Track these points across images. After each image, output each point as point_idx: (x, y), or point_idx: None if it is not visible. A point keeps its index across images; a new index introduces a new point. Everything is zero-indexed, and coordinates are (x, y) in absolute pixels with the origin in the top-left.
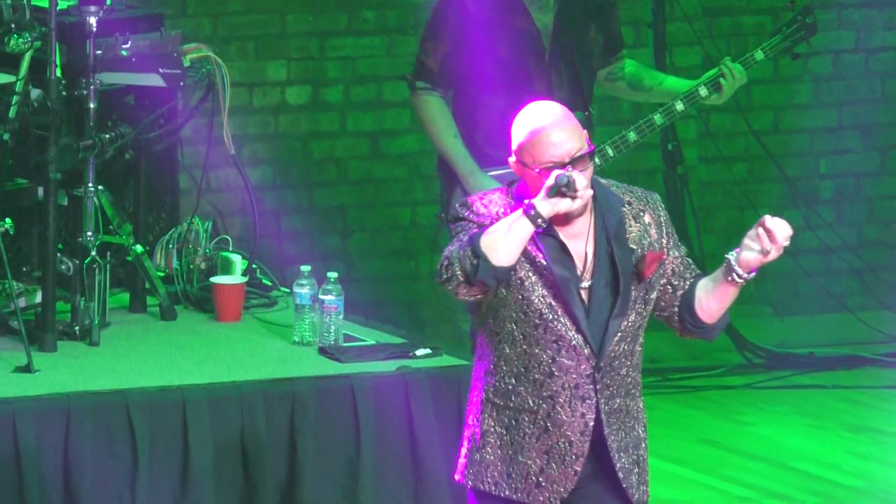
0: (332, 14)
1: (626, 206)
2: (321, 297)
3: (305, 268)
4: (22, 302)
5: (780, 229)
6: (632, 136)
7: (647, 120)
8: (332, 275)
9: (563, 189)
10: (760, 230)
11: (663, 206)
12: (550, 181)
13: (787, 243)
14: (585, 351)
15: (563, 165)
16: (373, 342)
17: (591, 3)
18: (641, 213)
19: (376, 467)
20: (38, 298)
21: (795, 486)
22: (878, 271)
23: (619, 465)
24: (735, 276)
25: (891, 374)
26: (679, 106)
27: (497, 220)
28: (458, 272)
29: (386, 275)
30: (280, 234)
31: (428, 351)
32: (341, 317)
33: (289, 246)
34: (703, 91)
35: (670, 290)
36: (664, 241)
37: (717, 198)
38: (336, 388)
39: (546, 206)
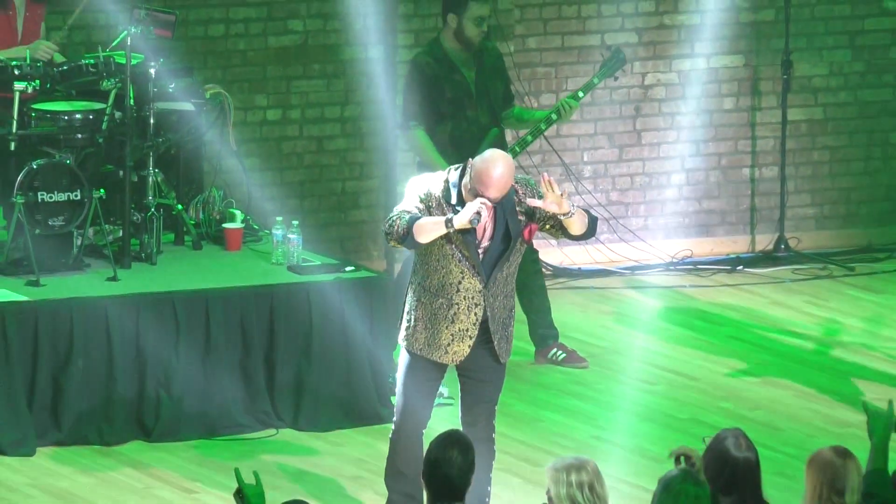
0: (294, 66)
1: (516, 194)
2: (288, 236)
3: (279, 218)
4: (110, 238)
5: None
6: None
7: (522, 138)
8: (295, 222)
9: (475, 219)
10: (547, 185)
11: (538, 188)
12: (471, 212)
13: (559, 193)
14: (478, 280)
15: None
16: (319, 263)
17: (495, 69)
18: (525, 196)
19: (322, 341)
20: (120, 235)
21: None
22: (619, 219)
23: (495, 339)
24: (563, 217)
25: (629, 279)
26: (542, 126)
27: (433, 196)
28: (394, 234)
29: (326, 223)
30: (263, 199)
31: (353, 268)
32: (300, 248)
33: (268, 205)
34: (553, 116)
35: (557, 228)
36: (538, 214)
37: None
38: (298, 291)
39: (458, 222)
